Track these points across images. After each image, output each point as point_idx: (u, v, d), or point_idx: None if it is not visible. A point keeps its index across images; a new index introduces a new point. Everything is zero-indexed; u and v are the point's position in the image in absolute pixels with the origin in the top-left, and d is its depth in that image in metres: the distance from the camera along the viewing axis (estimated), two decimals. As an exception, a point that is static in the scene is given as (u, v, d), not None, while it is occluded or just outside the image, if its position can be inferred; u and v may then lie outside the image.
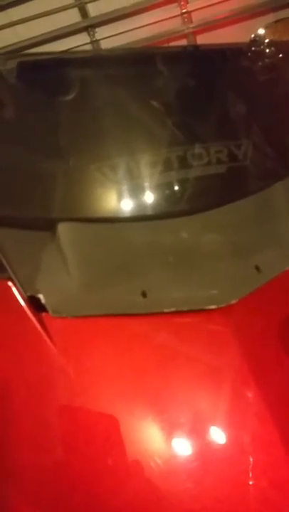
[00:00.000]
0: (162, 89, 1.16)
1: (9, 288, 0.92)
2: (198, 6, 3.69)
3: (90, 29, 3.80)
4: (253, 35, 1.67)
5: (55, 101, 1.11)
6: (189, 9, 3.73)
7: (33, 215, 1.04)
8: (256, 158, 1.12)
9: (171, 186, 1.05)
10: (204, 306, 0.91)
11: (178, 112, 1.16)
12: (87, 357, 0.86)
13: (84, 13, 3.72)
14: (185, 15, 3.74)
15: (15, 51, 3.63)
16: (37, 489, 0.76)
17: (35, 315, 0.89)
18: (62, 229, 0.99)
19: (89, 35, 3.83)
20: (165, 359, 0.85)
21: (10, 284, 0.92)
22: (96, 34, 3.84)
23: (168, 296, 0.93)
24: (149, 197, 1.05)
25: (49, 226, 1.01)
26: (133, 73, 1.17)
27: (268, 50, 1.38)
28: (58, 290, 0.94)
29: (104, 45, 3.87)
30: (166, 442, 0.75)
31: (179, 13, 3.73)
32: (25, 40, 3.64)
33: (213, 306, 0.90)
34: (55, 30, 3.69)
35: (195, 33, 3.81)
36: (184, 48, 1.74)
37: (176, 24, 3.79)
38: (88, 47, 3.83)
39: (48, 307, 0.90)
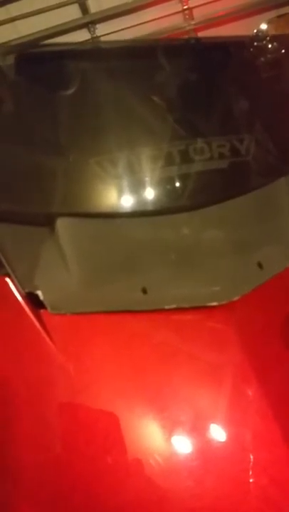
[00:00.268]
0: (163, 82, 1.15)
1: (7, 284, 0.91)
2: (200, 3, 3.68)
3: (90, 25, 3.78)
4: (255, 30, 1.66)
5: (54, 94, 1.10)
6: (191, 6, 3.71)
7: (31, 210, 1.03)
8: (259, 153, 1.12)
9: (172, 181, 1.04)
10: (206, 303, 0.90)
11: (179, 105, 1.15)
12: (87, 354, 0.86)
13: (84, 9, 3.70)
14: (186, 11, 3.72)
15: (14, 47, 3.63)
16: (37, 488, 0.75)
17: (33, 312, 0.89)
18: (62, 224, 0.98)
19: (89, 31, 3.81)
20: (166, 356, 0.85)
21: (8, 280, 0.92)
22: (96, 30, 3.82)
23: (169, 293, 0.93)
24: (150, 192, 1.04)
25: (48, 221, 1.00)
26: (134, 66, 1.16)
27: (270, 45, 1.37)
28: (57, 286, 0.93)
29: (105, 41, 3.87)
30: (167, 440, 0.75)
31: (180, 9, 3.71)
32: (25, 36, 3.63)
33: (214, 303, 0.90)
34: (55, 27, 3.66)
35: (196, 30, 3.80)
36: (185, 40, 1.73)
37: (177, 21, 3.77)
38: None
39: (46, 304, 0.90)
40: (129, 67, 1.15)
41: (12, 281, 0.91)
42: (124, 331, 0.89)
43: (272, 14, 3.47)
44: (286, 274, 0.97)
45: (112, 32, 3.77)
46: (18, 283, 0.91)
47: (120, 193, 1.03)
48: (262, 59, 1.34)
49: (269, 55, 1.35)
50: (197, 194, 1.05)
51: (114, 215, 1.02)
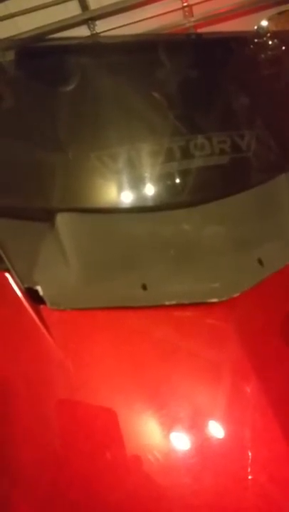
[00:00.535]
0: (164, 77, 1.15)
1: (7, 279, 0.91)
2: (200, 0, 3.68)
3: (90, 22, 3.79)
4: (255, 27, 1.65)
5: (54, 90, 1.09)
6: (190, 3, 3.71)
7: (31, 205, 1.02)
8: (259, 149, 1.11)
9: (172, 177, 1.04)
10: (206, 299, 0.90)
11: (180, 101, 1.14)
12: (86, 350, 0.86)
13: (84, 6, 3.70)
14: (186, 8, 3.73)
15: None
16: (35, 484, 0.75)
17: (33, 307, 0.89)
18: (61, 220, 0.98)
19: (89, 28, 3.81)
20: (165, 353, 0.85)
21: (7, 275, 0.92)
22: (96, 27, 3.82)
23: (169, 289, 0.92)
24: (150, 188, 1.04)
25: (48, 217, 0.99)
26: (135, 61, 1.16)
27: (270, 42, 1.37)
28: (57, 282, 0.93)
29: (105, 38, 3.87)
30: (166, 437, 0.75)
31: (179, 6, 3.72)
32: (25, 33, 3.63)
33: (214, 300, 0.90)
34: (54, 23, 3.67)
35: (196, 27, 3.80)
36: (186, 36, 1.72)
37: (177, 18, 3.78)
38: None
39: (46, 299, 0.90)
40: (130, 63, 1.15)
41: (12, 276, 0.91)
42: (124, 327, 0.89)
43: (272, 12, 3.47)
44: (286, 271, 0.97)
45: (112, 29, 3.78)
46: (17, 278, 0.91)
47: (120, 188, 1.02)
48: (262, 55, 1.34)
49: (270, 52, 1.34)
50: (197, 190, 1.04)
51: (114, 211, 1.02)
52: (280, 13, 3.03)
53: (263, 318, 0.91)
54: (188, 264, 0.98)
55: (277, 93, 1.29)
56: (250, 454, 0.73)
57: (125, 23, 3.76)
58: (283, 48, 1.36)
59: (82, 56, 1.13)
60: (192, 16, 3.77)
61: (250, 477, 0.70)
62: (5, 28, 3.63)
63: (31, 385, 0.83)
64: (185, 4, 3.72)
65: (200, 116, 1.11)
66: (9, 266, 0.92)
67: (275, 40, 1.36)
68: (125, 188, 1.03)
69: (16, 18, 3.65)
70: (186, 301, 0.90)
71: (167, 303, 0.89)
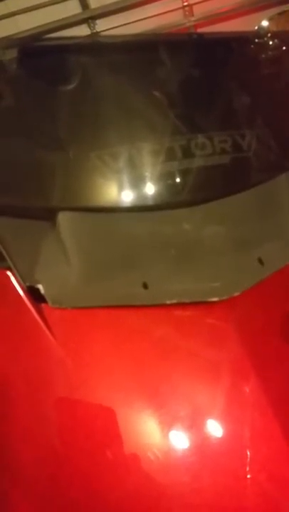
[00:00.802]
0: (165, 77, 1.15)
1: (8, 278, 0.92)
2: (200, 0, 3.68)
3: (90, 21, 3.77)
4: (256, 27, 1.65)
5: (55, 89, 1.09)
6: (191, 2, 3.71)
7: (33, 204, 1.03)
8: (260, 149, 1.11)
9: (173, 176, 1.04)
10: (206, 299, 0.90)
11: (181, 100, 1.14)
12: (87, 349, 0.86)
13: (84, 5, 3.69)
14: (186, 8, 3.72)
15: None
16: (35, 482, 0.76)
17: (34, 306, 0.89)
18: (63, 219, 0.98)
19: (89, 27, 3.80)
20: (166, 352, 0.85)
21: (9, 273, 0.92)
22: (96, 26, 3.81)
23: (169, 288, 0.93)
24: (151, 187, 1.04)
25: (49, 215, 0.99)
26: (136, 61, 1.16)
27: (271, 42, 1.37)
28: (58, 281, 0.93)
29: (105, 37, 3.86)
30: (166, 436, 0.75)
31: (180, 6, 3.71)
32: (25, 31, 3.62)
33: (215, 299, 0.90)
34: (55, 22, 3.66)
35: (196, 27, 3.80)
36: (187, 35, 1.72)
37: (177, 17, 3.77)
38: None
39: (47, 298, 0.90)
40: (131, 62, 1.15)
41: (13, 274, 0.91)
42: (125, 326, 0.89)
43: (273, 12, 3.47)
44: (287, 271, 0.98)
45: (112, 28, 3.77)
46: (19, 277, 0.91)
47: (121, 187, 1.03)
48: (263, 55, 1.34)
49: (270, 52, 1.34)
50: (198, 189, 1.05)
51: (115, 210, 1.02)
52: (280, 14, 3.01)
53: (263, 317, 0.91)
54: (188, 263, 0.98)
55: (277, 93, 1.29)
56: (249, 452, 0.73)
57: (125, 22, 3.75)
58: (284, 48, 1.36)
59: (83, 55, 1.14)
60: (192, 15, 3.76)
61: (249, 476, 0.71)
62: (5, 26, 3.62)
63: (32, 383, 0.83)
64: (185, 4, 3.70)
65: (201, 116, 1.11)
66: (11, 264, 0.92)
67: (276, 41, 1.36)
68: (126, 188, 1.03)
69: (16, 17, 3.64)
70: (186, 300, 0.90)
71: (168, 302, 0.90)
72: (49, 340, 0.85)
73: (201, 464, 0.72)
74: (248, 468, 0.71)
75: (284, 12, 2.97)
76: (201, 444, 0.75)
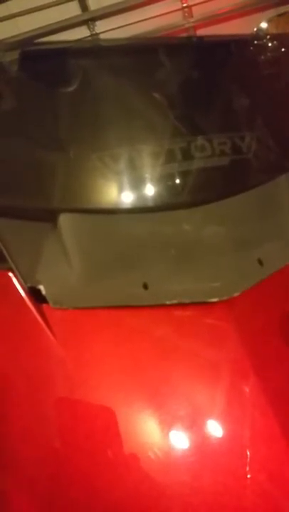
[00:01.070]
0: (166, 80, 1.15)
1: (10, 279, 0.92)
2: (199, 1, 3.69)
3: (90, 22, 3.78)
4: (255, 29, 1.66)
5: (57, 91, 1.10)
6: (190, 4, 3.71)
7: (34, 205, 1.03)
8: (259, 150, 1.12)
9: (173, 178, 1.05)
10: (206, 299, 0.91)
11: (181, 103, 1.15)
12: (88, 349, 0.86)
13: (84, 7, 3.70)
14: (186, 9, 3.73)
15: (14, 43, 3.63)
16: (35, 482, 0.76)
17: (35, 306, 0.89)
18: (64, 220, 0.98)
19: (89, 28, 3.81)
20: (166, 352, 0.86)
21: (10, 274, 0.92)
22: (96, 28, 3.82)
23: (169, 289, 0.93)
24: (152, 188, 1.04)
25: (50, 217, 1.00)
26: (137, 64, 1.17)
27: (270, 44, 1.38)
28: (59, 281, 0.93)
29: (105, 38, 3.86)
30: (166, 435, 0.75)
31: (179, 7, 3.72)
32: (25, 33, 3.63)
33: (215, 299, 0.90)
34: (55, 23, 3.67)
35: (195, 28, 3.81)
36: (187, 38, 1.73)
37: (176, 18, 3.78)
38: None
39: (48, 298, 0.90)
40: (132, 65, 1.16)
41: (15, 275, 0.92)
42: (125, 326, 0.89)
43: (271, 12, 3.47)
44: (286, 271, 0.98)
45: (112, 29, 3.78)
46: (20, 277, 0.92)
47: (122, 189, 1.03)
48: (262, 57, 1.34)
49: (269, 54, 1.35)
50: (198, 191, 1.05)
51: (115, 211, 1.02)
52: (279, 15, 3.02)
53: (262, 317, 0.91)
54: (188, 263, 0.99)
55: (276, 95, 1.30)
56: (249, 452, 0.73)
57: (125, 23, 3.76)
58: (283, 49, 1.37)
59: (85, 58, 1.14)
60: (192, 16, 3.77)
61: (249, 476, 0.71)
62: (6, 28, 3.63)
63: (34, 383, 0.84)
64: (185, 5, 3.72)
65: (200, 118, 1.12)
66: (12, 265, 0.93)
67: (275, 42, 1.37)
68: (127, 189, 1.03)
69: (17, 18, 3.65)
70: (186, 301, 0.90)
71: (168, 302, 0.90)
72: (50, 340, 0.86)
73: (201, 464, 0.73)
74: (248, 468, 0.71)
75: (283, 14, 2.97)
76: (201, 443, 0.75)
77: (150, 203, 1.04)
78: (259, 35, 1.48)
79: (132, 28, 3.75)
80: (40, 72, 1.11)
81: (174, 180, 1.05)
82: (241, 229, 1.06)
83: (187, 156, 1.05)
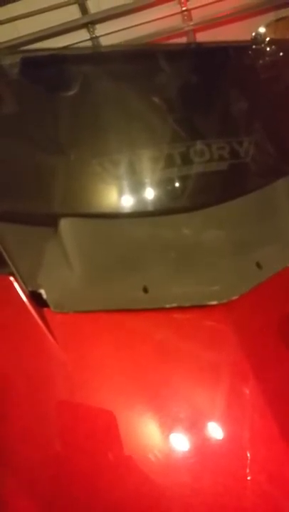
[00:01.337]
0: (165, 86, 1.17)
1: (11, 283, 0.92)
2: (198, 4, 3.69)
3: (89, 26, 3.79)
4: (253, 34, 1.67)
5: (57, 96, 1.11)
6: (189, 7, 3.72)
7: (35, 210, 1.04)
8: (258, 155, 1.13)
9: (173, 182, 1.06)
10: (205, 302, 0.91)
11: (180, 108, 1.16)
12: (89, 352, 0.87)
13: (84, 10, 3.71)
14: (185, 13, 3.73)
15: (15, 46, 3.63)
16: (35, 483, 0.76)
17: (36, 310, 0.90)
18: (64, 224, 0.99)
19: (89, 31, 3.81)
20: (166, 355, 0.86)
21: (12, 279, 0.93)
22: (96, 31, 3.82)
23: (169, 292, 0.94)
24: (151, 193, 1.06)
25: (51, 221, 1.01)
26: (137, 70, 1.18)
27: (269, 49, 1.38)
28: (60, 285, 0.94)
29: (104, 41, 3.86)
30: (166, 437, 0.76)
31: (179, 10, 3.72)
32: (25, 36, 3.63)
33: (214, 302, 0.91)
34: (54, 27, 3.66)
35: (195, 31, 3.81)
36: (186, 45, 1.74)
37: (176, 22, 3.78)
38: (88, 43, 3.82)
39: (49, 302, 0.91)
40: (132, 71, 1.17)
41: (16, 280, 0.92)
42: (126, 330, 0.89)
43: (270, 16, 3.48)
44: (285, 274, 0.98)
45: (111, 32, 3.78)
46: (21, 282, 0.92)
47: (122, 193, 1.04)
48: (260, 62, 1.35)
49: (267, 59, 1.36)
50: (197, 195, 1.06)
51: (116, 216, 1.03)
52: (277, 20, 3.03)
53: (261, 320, 0.92)
54: (188, 267, 1.00)
55: (274, 100, 1.30)
56: (249, 453, 0.73)
57: (124, 26, 3.76)
58: (281, 54, 1.38)
59: (86, 65, 1.15)
60: (191, 20, 3.78)
61: (249, 477, 0.71)
62: (5, 31, 3.64)
63: (35, 386, 0.84)
64: (184, 8, 3.72)
65: (199, 124, 1.13)
66: (13, 270, 0.93)
67: (273, 47, 1.38)
68: (127, 193, 1.05)
69: (17, 22, 3.65)
70: (186, 304, 0.91)
71: (168, 306, 0.91)
72: (51, 344, 0.86)
73: (201, 465, 0.73)
74: (248, 470, 0.71)
75: (281, 19, 2.98)
76: (202, 445, 0.75)
77: (150, 207, 1.05)
78: (257, 40, 1.48)
79: (131, 31, 3.75)
80: (42, 78, 1.12)
81: (174, 185, 1.06)
82: (240, 232, 1.06)
83: (186, 160, 1.07)
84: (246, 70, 1.32)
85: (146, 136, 1.11)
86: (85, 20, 3.74)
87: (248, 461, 0.72)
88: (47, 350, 0.87)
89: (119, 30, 3.77)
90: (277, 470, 0.72)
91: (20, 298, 0.91)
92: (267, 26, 2.82)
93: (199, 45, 1.48)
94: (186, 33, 3.80)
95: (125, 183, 1.04)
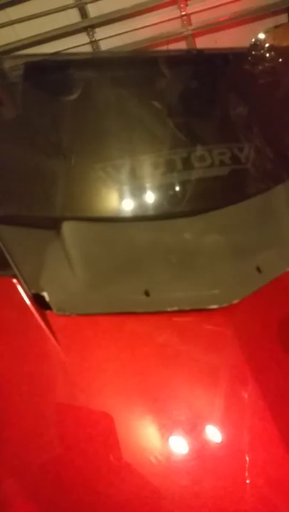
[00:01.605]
0: (166, 92, 1.18)
1: (14, 285, 0.93)
2: (198, 9, 3.70)
3: (89, 29, 3.79)
4: (253, 40, 1.68)
5: (60, 101, 1.12)
6: (189, 12, 3.73)
7: (38, 213, 1.05)
8: (258, 160, 1.14)
9: (174, 187, 1.06)
10: (206, 306, 0.92)
11: (181, 114, 1.17)
12: (90, 355, 0.87)
13: (84, 14, 3.71)
14: (184, 17, 3.74)
15: (14, 50, 3.63)
16: (36, 485, 0.76)
17: (39, 313, 0.90)
18: (67, 228, 1.00)
19: (88, 35, 3.81)
20: (167, 358, 0.86)
21: (15, 281, 0.93)
22: (95, 34, 3.82)
23: (170, 296, 0.94)
24: (153, 197, 1.06)
25: (54, 225, 1.02)
26: (138, 76, 1.19)
27: (268, 55, 1.40)
28: (62, 288, 0.95)
29: (104, 45, 3.87)
30: (167, 440, 0.76)
31: (178, 15, 3.73)
32: (24, 39, 3.63)
33: (215, 306, 0.91)
34: (54, 30, 3.66)
35: (194, 35, 3.82)
36: (187, 51, 1.75)
37: (175, 26, 3.79)
38: (87, 47, 3.82)
39: (52, 305, 0.91)
40: (134, 77, 1.18)
41: (19, 282, 0.93)
42: (127, 333, 0.90)
43: (270, 21, 3.49)
44: (285, 278, 0.99)
45: (111, 36, 3.78)
46: (24, 284, 0.93)
47: (124, 198, 1.05)
48: (260, 69, 1.37)
49: (267, 65, 1.37)
50: (198, 200, 1.07)
51: (118, 220, 1.04)
52: (276, 27, 3.04)
53: (261, 324, 0.92)
54: (189, 271, 1.00)
55: (274, 106, 1.31)
56: (248, 457, 0.74)
57: (124, 30, 3.76)
58: (280, 60, 1.39)
59: (88, 71, 1.16)
60: (190, 24, 3.79)
61: (248, 480, 0.71)
62: (5, 34, 3.64)
63: (37, 389, 0.84)
64: (183, 13, 3.73)
65: (200, 130, 1.14)
66: (17, 272, 0.94)
67: (272, 53, 1.39)
68: (129, 198, 1.05)
69: (16, 25, 3.65)
70: (187, 308, 0.92)
71: (169, 309, 0.91)
72: (53, 346, 0.87)
73: (201, 468, 0.73)
74: (247, 473, 0.72)
75: (280, 25, 2.99)
76: (201, 448, 0.76)
77: (151, 212, 1.05)
78: (257, 46, 1.49)
79: (131, 35, 3.75)
80: (45, 84, 1.13)
81: (175, 190, 1.07)
82: (240, 237, 1.07)
83: (187, 166, 1.07)
84: (246, 76, 1.33)
85: (148, 141, 1.11)
86: (85, 24, 3.74)
87: (248, 465, 0.73)
88: (49, 353, 0.87)
89: (118, 34, 3.77)
90: (276, 473, 0.73)
91: (23, 300, 0.91)
92: (266, 32, 2.84)
93: (200, 51, 1.49)
94: (185, 38, 3.81)
95: (127, 188, 1.05)
